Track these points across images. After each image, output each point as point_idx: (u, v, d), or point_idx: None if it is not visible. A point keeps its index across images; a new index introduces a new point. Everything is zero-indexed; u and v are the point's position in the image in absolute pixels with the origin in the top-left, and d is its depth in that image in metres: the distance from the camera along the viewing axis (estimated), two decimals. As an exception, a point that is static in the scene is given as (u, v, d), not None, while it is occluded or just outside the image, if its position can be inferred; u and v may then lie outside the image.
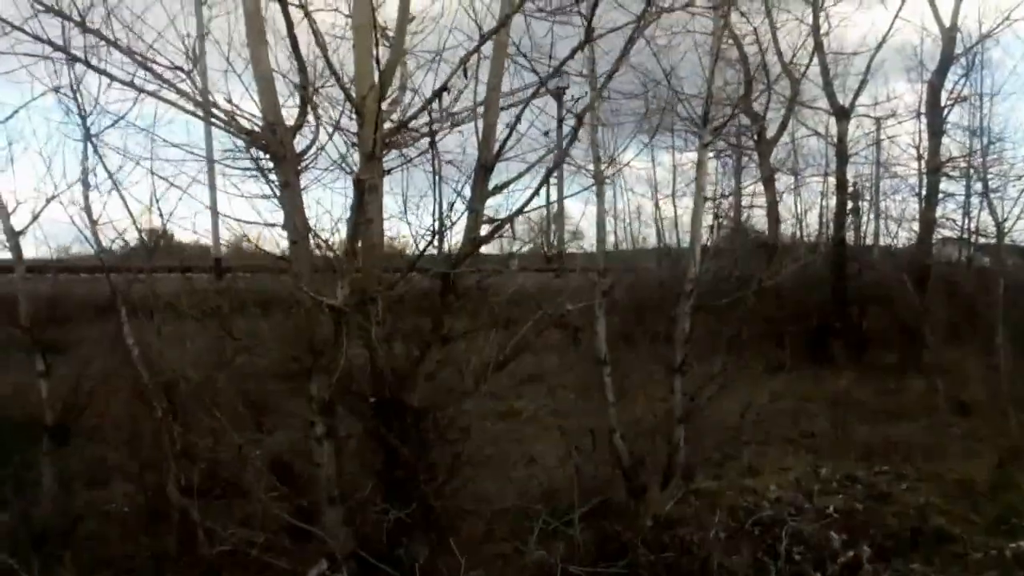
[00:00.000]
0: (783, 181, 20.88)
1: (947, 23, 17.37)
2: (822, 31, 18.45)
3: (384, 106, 5.06)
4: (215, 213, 5.05)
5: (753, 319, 18.27)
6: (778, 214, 18.60)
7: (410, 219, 5.08)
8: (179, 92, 4.81)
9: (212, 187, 5.41)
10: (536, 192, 5.46)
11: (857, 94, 18.65)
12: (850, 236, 20.25)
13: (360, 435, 5.02)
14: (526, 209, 5.11)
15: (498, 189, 5.16)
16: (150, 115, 5.07)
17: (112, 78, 4.71)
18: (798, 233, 21.36)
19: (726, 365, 6.43)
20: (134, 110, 5.04)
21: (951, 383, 12.94)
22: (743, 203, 20.73)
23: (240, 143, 4.89)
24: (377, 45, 4.71)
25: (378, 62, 4.91)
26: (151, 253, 5.83)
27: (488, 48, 5.14)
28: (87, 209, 6.24)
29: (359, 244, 4.73)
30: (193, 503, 5.03)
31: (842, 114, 18.77)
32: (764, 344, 17.58)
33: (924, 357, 16.17)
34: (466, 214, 5.11)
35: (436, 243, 5.00)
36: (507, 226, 5.03)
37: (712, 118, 6.52)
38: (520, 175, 5.15)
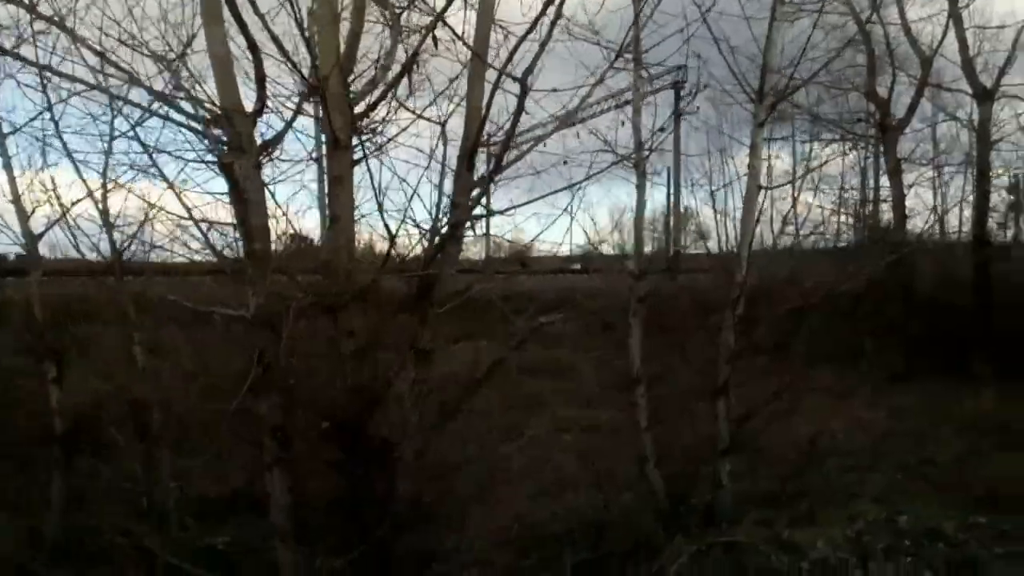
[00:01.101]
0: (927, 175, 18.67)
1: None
2: (960, 2, 16.27)
3: (359, 87, 4.42)
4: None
5: (877, 324, 16.55)
6: (905, 209, 16.50)
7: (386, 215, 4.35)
8: (134, 81, 4.39)
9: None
10: (578, 186, 4.67)
11: (1002, 72, 16.28)
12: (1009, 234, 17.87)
13: (320, 464, 4.39)
14: (515, 208, 4.29)
15: (483, 181, 4.40)
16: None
17: (52, 71, 4.35)
18: (937, 230, 19.10)
19: (784, 385, 5.31)
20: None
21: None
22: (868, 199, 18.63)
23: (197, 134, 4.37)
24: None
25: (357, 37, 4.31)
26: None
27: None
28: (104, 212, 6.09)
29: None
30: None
31: (985, 96, 16.44)
32: (889, 353, 15.86)
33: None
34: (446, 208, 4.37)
35: (414, 241, 4.30)
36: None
37: (769, 92, 5.43)
38: (511, 162, 4.36)
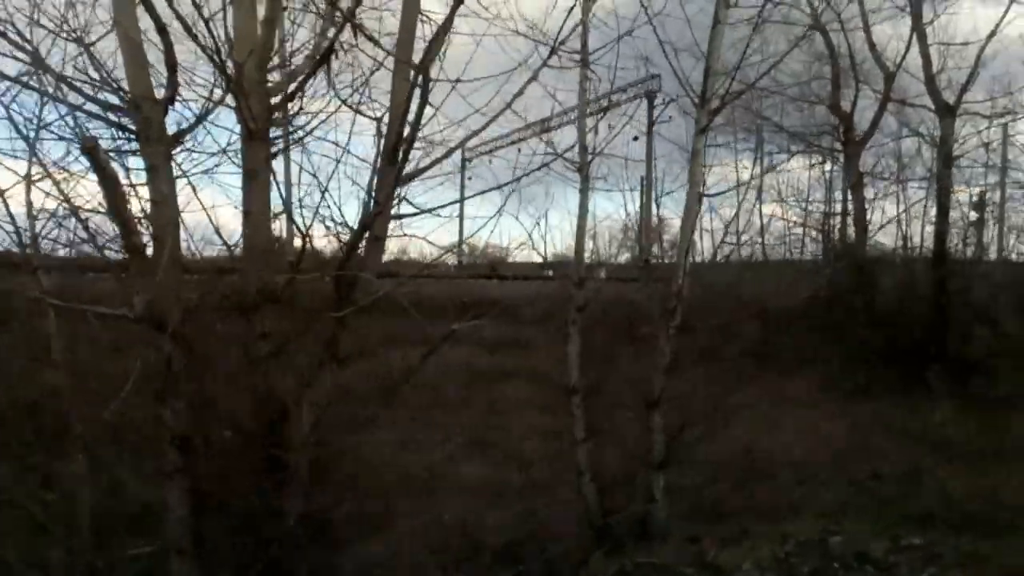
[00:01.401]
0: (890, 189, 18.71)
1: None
2: (925, 19, 16.42)
3: (275, 77, 4.19)
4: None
5: (839, 338, 16.62)
6: (866, 223, 16.57)
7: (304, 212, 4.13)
8: (38, 63, 4.12)
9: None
10: (512, 186, 4.48)
11: (964, 89, 16.44)
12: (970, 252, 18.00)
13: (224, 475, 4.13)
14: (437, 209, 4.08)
15: (408, 178, 4.19)
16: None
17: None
18: (899, 245, 19.23)
19: (721, 397, 5.16)
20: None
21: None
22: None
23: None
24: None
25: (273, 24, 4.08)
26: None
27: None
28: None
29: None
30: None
31: (947, 112, 16.59)
32: (851, 366, 15.95)
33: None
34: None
35: (334, 241, 4.07)
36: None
37: (712, 97, 5.29)
38: (437, 161, 4.15)
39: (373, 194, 4.16)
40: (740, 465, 10.18)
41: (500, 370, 12.32)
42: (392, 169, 4.13)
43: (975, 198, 20.30)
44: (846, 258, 16.17)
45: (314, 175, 4.01)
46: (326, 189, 3.95)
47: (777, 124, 16.57)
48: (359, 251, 4.08)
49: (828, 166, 19.40)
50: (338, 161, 4.03)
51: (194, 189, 4.29)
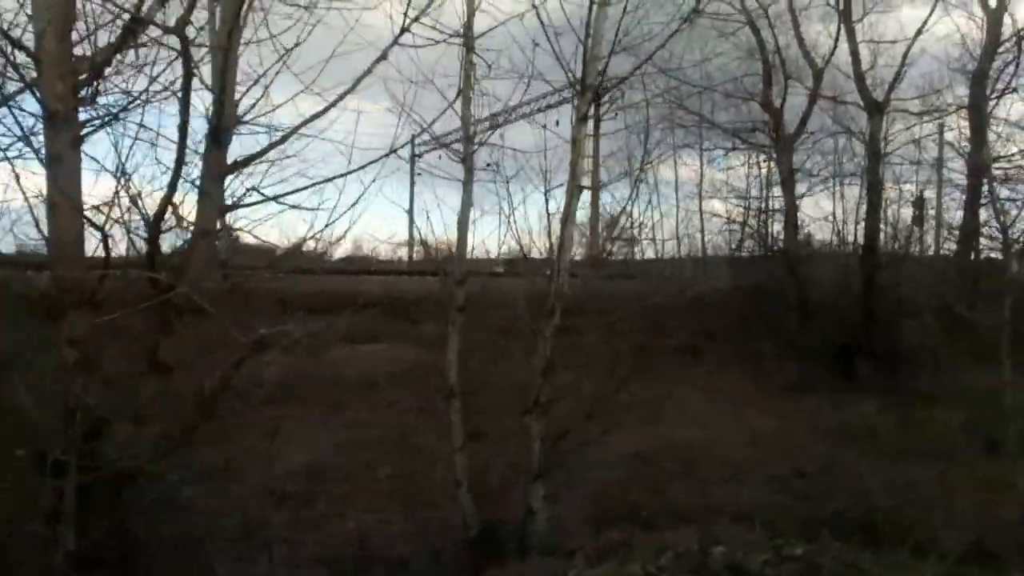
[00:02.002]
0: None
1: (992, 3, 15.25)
2: (855, 17, 16.51)
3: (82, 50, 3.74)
4: None
5: (775, 333, 16.66)
6: (796, 219, 16.58)
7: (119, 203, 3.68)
8: None
9: None
10: (354, 173, 4.10)
11: (892, 87, 16.58)
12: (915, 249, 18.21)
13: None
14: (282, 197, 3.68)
15: (239, 165, 3.78)
16: None
17: None
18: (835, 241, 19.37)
19: (603, 398, 4.87)
20: None
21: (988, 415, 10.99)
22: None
23: None
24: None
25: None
26: None
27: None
28: None
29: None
30: None
31: (876, 109, 16.71)
32: (785, 361, 16.00)
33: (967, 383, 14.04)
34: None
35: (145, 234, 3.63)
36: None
37: (592, 85, 4.95)
38: (269, 147, 3.75)
39: (198, 183, 3.74)
40: (663, 464, 10.04)
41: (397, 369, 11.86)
42: (219, 154, 3.72)
43: (914, 196, 20.59)
44: (777, 254, 16.17)
45: (123, 162, 3.55)
46: (124, 174, 3.49)
47: (710, 120, 16.49)
48: (175, 249, 3.65)
49: (762, 163, 19.52)
50: (154, 144, 3.58)
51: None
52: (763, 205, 19.00)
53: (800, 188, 17.50)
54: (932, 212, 20.53)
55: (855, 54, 16.46)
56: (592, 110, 6.01)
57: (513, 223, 4.76)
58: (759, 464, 10.05)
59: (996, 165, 15.99)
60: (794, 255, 16.32)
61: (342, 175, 3.93)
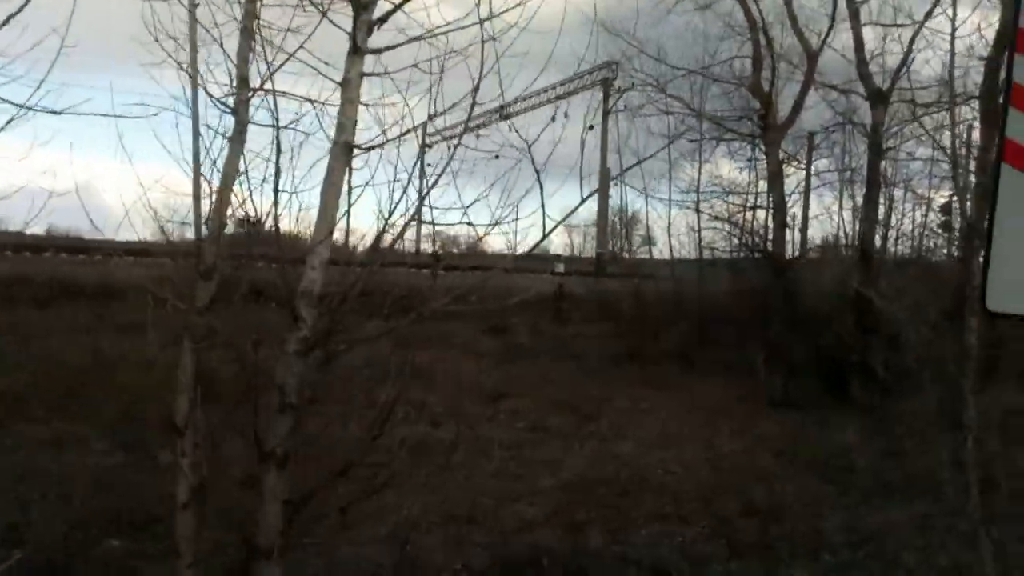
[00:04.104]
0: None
1: (1005, -19, 13.48)
2: (858, -2, 14.83)
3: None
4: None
5: (770, 343, 15.17)
6: (785, 215, 14.92)
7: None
8: None
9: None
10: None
11: (897, 75, 14.88)
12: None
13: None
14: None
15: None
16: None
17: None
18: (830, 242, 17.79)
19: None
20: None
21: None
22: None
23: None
24: None
25: None
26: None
27: None
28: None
29: None
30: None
31: (879, 98, 15.05)
32: (774, 374, 14.71)
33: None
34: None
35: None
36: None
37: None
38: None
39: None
40: (597, 493, 8.71)
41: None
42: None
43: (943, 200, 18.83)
44: (761, 255, 14.58)
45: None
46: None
47: (689, 106, 14.91)
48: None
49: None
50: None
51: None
52: (747, 201, 17.22)
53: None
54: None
55: (859, 38, 14.80)
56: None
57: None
58: (709, 497, 8.80)
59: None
60: (780, 257, 14.69)
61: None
